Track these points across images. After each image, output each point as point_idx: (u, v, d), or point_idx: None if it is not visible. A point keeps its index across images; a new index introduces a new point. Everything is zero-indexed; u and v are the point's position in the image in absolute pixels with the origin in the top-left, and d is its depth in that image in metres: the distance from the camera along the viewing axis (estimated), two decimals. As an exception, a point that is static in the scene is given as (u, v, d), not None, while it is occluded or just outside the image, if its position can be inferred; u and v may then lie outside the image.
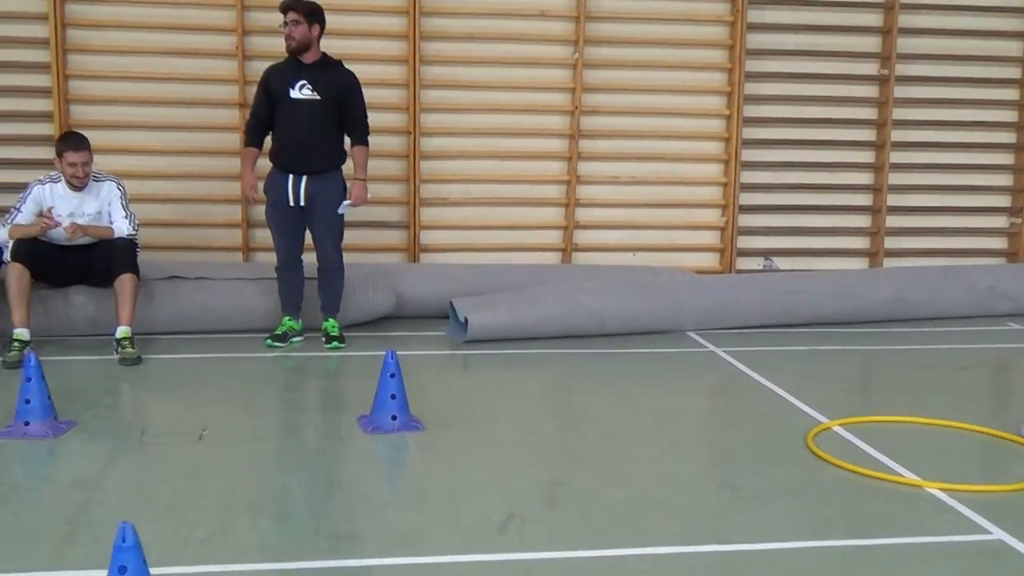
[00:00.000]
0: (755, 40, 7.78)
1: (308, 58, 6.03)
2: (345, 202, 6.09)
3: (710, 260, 8.07)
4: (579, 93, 7.61)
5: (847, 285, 7.28)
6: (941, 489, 4.00)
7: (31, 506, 3.66)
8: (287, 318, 6.25)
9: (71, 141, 5.90)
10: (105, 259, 5.94)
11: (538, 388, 5.62)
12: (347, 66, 6.11)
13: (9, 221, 5.89)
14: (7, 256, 5.83)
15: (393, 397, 4.65)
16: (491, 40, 7.55)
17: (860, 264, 8.24)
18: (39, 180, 5.99)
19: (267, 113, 6.10)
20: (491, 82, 7.59)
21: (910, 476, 4.15)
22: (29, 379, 4.47)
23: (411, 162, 7.52)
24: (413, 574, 3.19)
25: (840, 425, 4.80)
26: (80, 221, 5.93)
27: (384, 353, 4.66)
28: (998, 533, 3.59)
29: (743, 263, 8.07)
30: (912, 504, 3.88)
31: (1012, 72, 8.21)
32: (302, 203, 6.05)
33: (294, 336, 6.25)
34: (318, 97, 5.99)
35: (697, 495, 3.95)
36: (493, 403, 5.18)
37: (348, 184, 6.12)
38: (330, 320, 6.28)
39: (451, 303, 6.66)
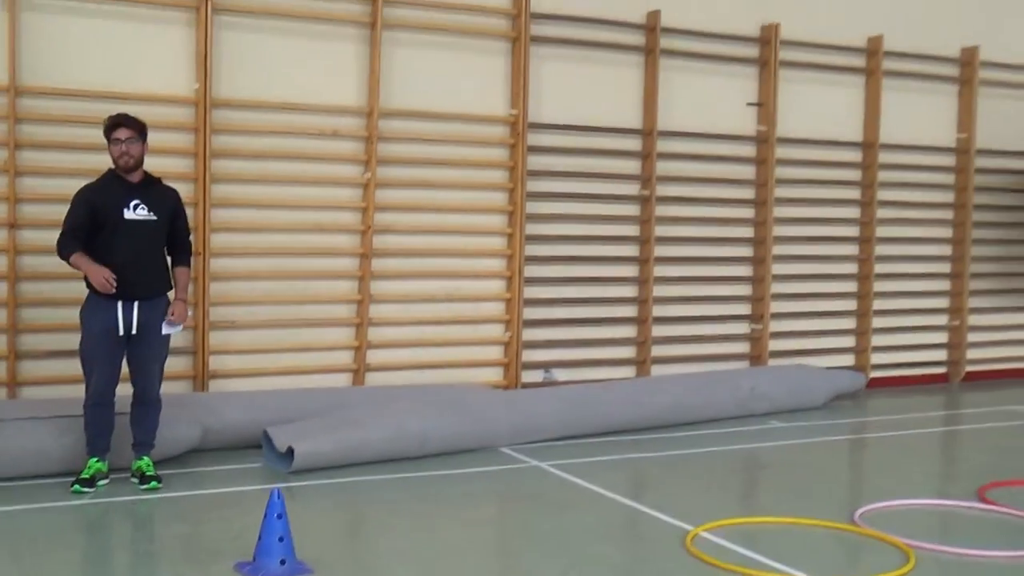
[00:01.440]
0: (535, 162, 8.16)
1: (135, 177, 5.68)
2: (176, 326, 5.73)
3: (495, 374, 8.22)
4: (371, 212, 7.60)
5: (636, 393, 7.71)
6: (836, 586, 4.32)
7: None
8: (95, 459, 5.68)
9: None
10: None
11: (395, 519, 5.41)
12: None
13: None
14: None
15: (281, 539, 4.37)
16: (282, 159, 7.41)
17: (629, 372, 8.71)
18: None
19: (89, 233, 5.61)
20: (282, 201, 7.42)
21: (800, 574, 4.44)
22: None
23: (200, 284, 7.13)
24: None
25: (704, 530, 5.04)
26: None
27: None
28: (906, 620, 3.93)
29: (525, 376, 8.29)
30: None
31: (748, 193, 9.12)
32: (134, 331, 5.60)
33: (101, 479, 5.69)
34: (154, 217, 5.66)
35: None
36: (360, 537, 5.01)
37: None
38: (144, 459, 5.78)
39: (265, 432, 6.35)
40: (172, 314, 5.74)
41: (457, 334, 8.08)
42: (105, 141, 5.68)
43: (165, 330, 5.73)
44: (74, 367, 5.91)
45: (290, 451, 6.12)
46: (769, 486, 6.28)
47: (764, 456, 7.05)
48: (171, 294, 5.82)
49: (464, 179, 8.02)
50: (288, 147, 7.43)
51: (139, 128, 5.68)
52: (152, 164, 6.65)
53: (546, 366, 8.43)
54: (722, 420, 7.91)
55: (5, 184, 6.65)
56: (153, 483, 5.67)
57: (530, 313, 8.27)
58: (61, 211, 5.74)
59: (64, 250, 5.64)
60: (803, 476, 6.50)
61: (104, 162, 5.82)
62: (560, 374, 8.46)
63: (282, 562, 4.34)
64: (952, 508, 5.62)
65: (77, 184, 5.87)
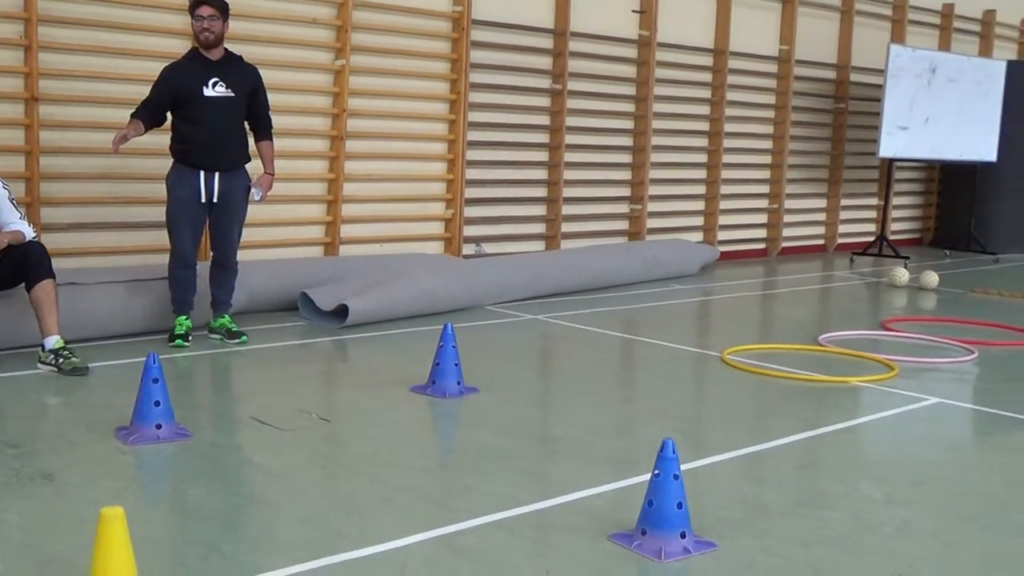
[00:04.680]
0: (477, 56, 9.02)
1: (215, 55, 6.08)
2: (256, 191, 6.23)
3: (437, 248, 9.12)
4: (345, 96, 8.20)
5: (576, 261, 8.92)
6: (861, 382, 5.79)
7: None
8: (184, 317, 6.18)
9: None
10: (17, 265, 5.42)
11: (485, 354, 6.16)
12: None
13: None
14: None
15: (457, 365, 5.24)
16: (264, 44, 7.82)
17: (539, 246, 9.87)
18: (-84, 181, 5.29)
19: (163, 111, 6.00)
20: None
21: (830, 376, 5.88)
22: (156, 380, 4.32)
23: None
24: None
25: (731, 353, 6.37)
26: (-39, 226, 5.38)
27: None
28: (932, 399, 5.46)
29: (463, 250, 9.25)
30: (864, 392, 5.60)
31: (630, 90, 10.43)
32: (215, 199, 6.07)
33: (190, 335, 6.20)
34: (232, 94, 6.09)
35: (749, 405, 5.31)
36: (478, 367, 5.76)
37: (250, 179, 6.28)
38: (226, 316, 6.33)
39: (304, 294, 7.02)
40: (259, 184, 6.25)
41: (408, 211, 8.89)
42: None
43: (255, 197, 6.23)
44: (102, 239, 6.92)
45: (336, 310, 6.84)
46: (728, 326, 7.71)
47: (698, 307, 8.52)
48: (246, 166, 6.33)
49: (415, 69, 8.74)
50: (272, 32, 7.87)
51: (221, 7, 6.07)
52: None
53: (476, 241, 9.42)
54: (634, 283, 9.29)
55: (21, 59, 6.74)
56: (243, 337, 6.26)
57: (467, 193, 9.21)
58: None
59: (131, 116, 5.99)
60: (743, 319, 8.03)
61: (120, 41, 6.87)
62: (486, 248, 9.49)
63: (458, 383, 5.24)
64: (876, 335, 7.30)
65: (91, 61, 6.80)
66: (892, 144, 11.56)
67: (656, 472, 3.28)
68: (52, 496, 3.60)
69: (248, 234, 7.80)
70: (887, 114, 11.39)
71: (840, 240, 12.99)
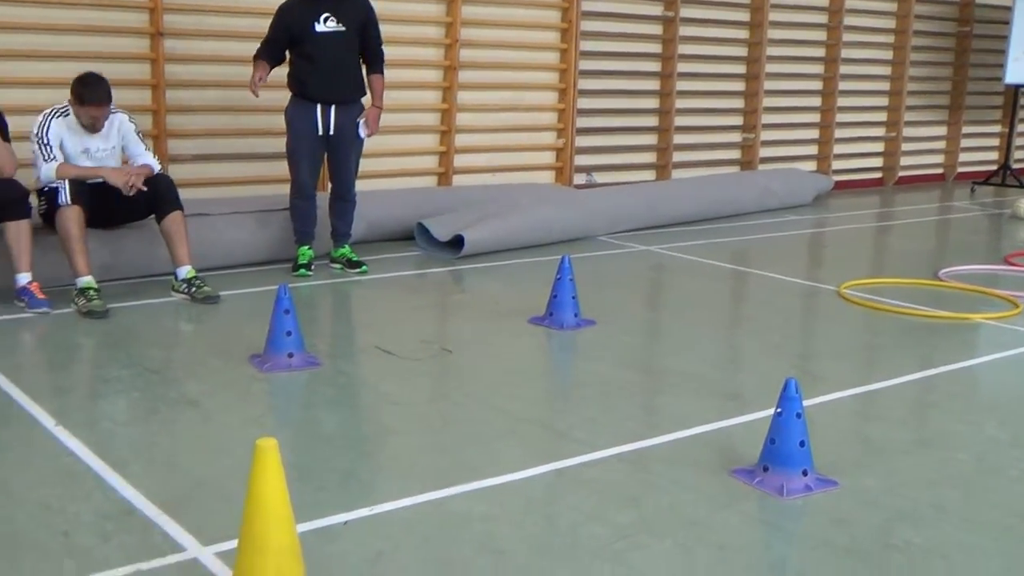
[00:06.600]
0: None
1: (326, -11, 6.16)
2: (363, 127, 6.32)
3: (548, 177, 9.15)
4: (457, 26, 8.23)
5: (692, 190, 8.89)
6: (983, 319, 5.67)
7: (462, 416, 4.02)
8: (306, 247, 6.37)
9: (95, 92, 5.44)
10: (149, 198, 5.64)
11: (601, 286, 6.22)
12: None
13: (50, 158, 5.39)
14: (65, 198, 5.31)
15: (574, 298, 5.31)
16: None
17: (650, 175, 9.82)
18: (51, 114, 5.50)
19: (282, 48, 6.13)
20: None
21: (951, 313, 5.78)
22: (287, 311, 4.48)
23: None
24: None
25: (847, 287, 6.30)
26: (97, 158, 5.60)
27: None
28: (1062, 336, 5.34)
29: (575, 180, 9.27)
30: (986, 330, 5.49)
31: (744, 16, 10.21)
32: (331, 132, 6.19)
33: (312, 264, 6.38)
34: (343, 28, 6.16)
35: (866, 341, 5.27)
36: (597, 298, 5.78)
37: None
38: (347, 247, 6.50)
39: (421, 224, 7.14)
40: (366, 117, 6.34)
41: (519, 141, 8.92)
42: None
43: (361, 134, 6.33)
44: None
45: (452, 240, 6.95)
46: (844, 259, 7.60)
47: (816, 238, 8.43)
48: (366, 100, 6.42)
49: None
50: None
51: None
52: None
53: (588, 170, 9.42)
54: (746, 214, 9.18)
55: (152, -6, 6.94)
56: (363, 267, 6.42)
57: (579, 122, 9.19)
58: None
59: (254, 58, 6.16)
60: (859, 252, 7.92)
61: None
62: (596, 177, 9.48)
63: (575, 315, 5.31)
64: (999, 270, 7.12)
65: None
66: (1019, 70, 11.11)
67: (779, 411, 3.32)
68: (197, 421, 3.81)
69: (364, 165, 7.96)
70: (1015, 38, 10.93)
71: (960, 169, 12.60)
